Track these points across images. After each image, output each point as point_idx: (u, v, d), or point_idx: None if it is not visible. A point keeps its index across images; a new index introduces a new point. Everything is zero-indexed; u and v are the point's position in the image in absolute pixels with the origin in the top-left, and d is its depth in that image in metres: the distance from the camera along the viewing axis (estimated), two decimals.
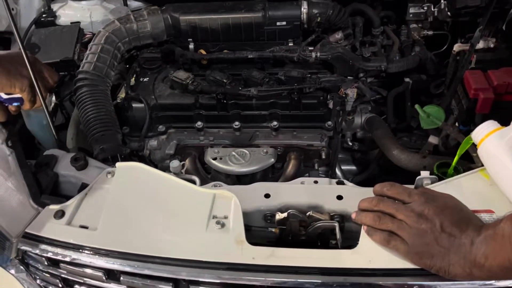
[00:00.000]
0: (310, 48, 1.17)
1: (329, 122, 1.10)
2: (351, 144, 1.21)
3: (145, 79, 1.20)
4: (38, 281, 0.81)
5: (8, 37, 1.33)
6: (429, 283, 0.65)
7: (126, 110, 1.14)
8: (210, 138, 1.15)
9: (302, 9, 1.18)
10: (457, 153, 0.80)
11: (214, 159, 1.09)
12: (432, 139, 1.04)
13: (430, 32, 1.31)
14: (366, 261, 0.66)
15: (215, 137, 1.15)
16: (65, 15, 1.35)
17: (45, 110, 0.93)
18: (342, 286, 0.66)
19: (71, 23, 1.30)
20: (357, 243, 0.69)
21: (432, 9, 1.26)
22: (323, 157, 1.12)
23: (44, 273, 0.79)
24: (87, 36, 1.28)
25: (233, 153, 1.09)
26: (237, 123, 1.12)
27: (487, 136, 0.72)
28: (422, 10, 1.32)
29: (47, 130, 0.99)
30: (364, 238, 0.69)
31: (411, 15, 1.33)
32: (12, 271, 0.81)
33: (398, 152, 1.01)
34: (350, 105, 1.08)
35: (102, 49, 1.14)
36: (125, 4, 1.37)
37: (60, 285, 0.78)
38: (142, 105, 1.13)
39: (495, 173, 0.71)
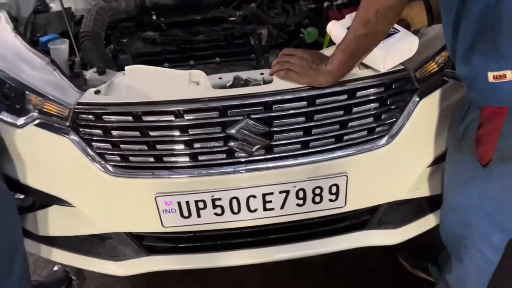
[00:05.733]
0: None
1: (253, 55, 1.71)
2: None
3: (124, 40, 1.74)
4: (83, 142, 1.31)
5: None
6: (312, 93, 1.25)
7: (114, 59, 1.66)
8: None
9: None
10: (324, 43, 1.44)
11: None
12: None
13: (313, 6, 1.98)
14: (279, 88, 1.25)
15: None
16: (56, 6, 1.85)
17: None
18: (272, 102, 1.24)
19: (65, 8, 1.79)
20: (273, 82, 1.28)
21: None
22: None
23: (91, 128, 1.28)
24: (77, 16, 1.79)
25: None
26: (192, 61, 1.69)
27: (333, 26, 1.35)
28: None
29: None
30: (275, 79, 1.28)
31: None
32: (66, 136, 1.30)
33: None
34: (264, 41, 1.69)
35: (95, 19, 1.66)
36: None
37: (102, 134, 1.28)
38: (126, 56, 1.66)
39: None
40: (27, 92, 1.31)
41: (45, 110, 1.31)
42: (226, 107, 1.25)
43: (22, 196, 1.53)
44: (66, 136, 1.30)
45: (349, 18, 1.37)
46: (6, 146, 1.36)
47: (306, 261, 1.79)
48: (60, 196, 1.42)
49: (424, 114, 1.35)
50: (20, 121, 1.34)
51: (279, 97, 1.25)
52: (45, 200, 1.50)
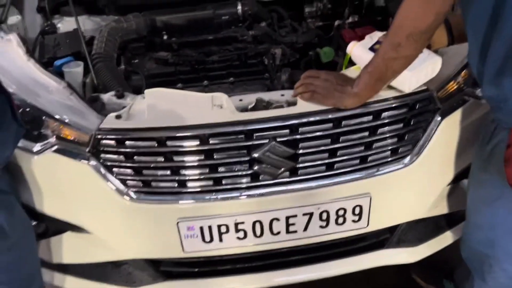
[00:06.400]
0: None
1: (267, 74, 1.70)
2: None
3: (135, 61, 1.71)
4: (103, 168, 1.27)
5: None
6: (337, 115, 1.24)
7: (127, 80, 1.63)
8: None
9: (238, 7, 1.80)
10: (344, 64, 1.44)
11: None
12: None
13: (320, 23, 1.99)
14: (304, 110, 1.24)
15: None
16: (63, 27, 1.82)
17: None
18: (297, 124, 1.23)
19: (73, 29, 1.77)
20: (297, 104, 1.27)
21: (319, 5, 1.94)
22: None
23: (112, 154, 1.25)
24: (87, 37, 1.76)
25: None
26: (205, 81, 1.67)
27: (354, 46, 1.35)
28: (313, 9, 1.99)
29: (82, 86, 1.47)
30: (300, 101, 1.27)
31: (307, 13, 2.00)
32: (86, 162, 1.26)
33: None
34: (278, 60, 1.69)
35: (107, 40, 1.64)
36: (108, 15, 1.88)
37: (124, 159, 1.25)
38: (139, 77, 1.64)
39: (361, 63, 1.33)
40: (44, 117, 1.28)
41: (63, 136, 1.28)
42: (252, 131, 1.23)
43: (34, 223, 1.49)
44: (86, 162, 1.27)
45: (369, 39, 1.37)
46: (23, 173, 1.32)
47: (318, 280, 1.77)
48: (77, 223, 1.38)
49: (446, 133, 1.36)
50: (37, 147, 1.30)
51: (305, 120, 1.24)
52: (60, 227, 1.46)
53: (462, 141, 1.39)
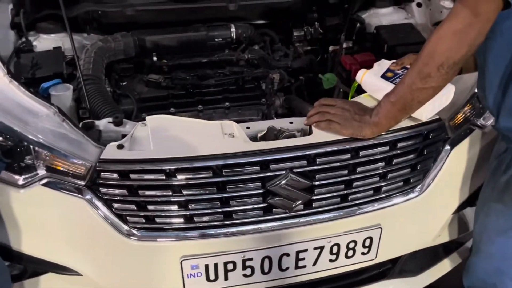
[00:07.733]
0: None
1: (264, 99, 1.63)
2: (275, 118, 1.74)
3: (124, 83, 1.59)
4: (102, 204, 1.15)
5: None
6: (355, 145, 1.19)
7: (117, 103, 1.51)
8: None
9: (231, 29, 1.74)
10: (350, 92, 1.40)
11: None
12: None
13: (309, 48, 1.96)
14: (322, 139, 1.18)
15: None
16: (40, 45, 1.67)
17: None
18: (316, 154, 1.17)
19: (53, 47, 1.62)
20: (312, 134, 1.21)
21: (310, 29, 1.92)
22: None
23: (114, 188, 1.12)
24: (68, 56, 1.62)
25: None
26: (200, 106, 1.58)
27: (364, 74, 1.32)
28: (301, 33, 1.97)
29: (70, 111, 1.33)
30: (314, 130, 1.21)
31: (295, 37, 1.97)
32: (81, 196, 1.13)
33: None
34: (276, 85, 1.63)
35: (94, 60, 1.51)
36: (89, 34, 1.75)
37: (127, 193, 1.13)
38: (129, 100, 1.52)
39: (373, 91, 1.31)
40: (32, 147, 1.14)
41: (55, 167, 1.14)
42: (269, 161, 1.16)
43: (7, 263, 1.32)
44: (81, 197, 1.14)
45: (378, 67, 1.35)
46: None
47: None
48: (65, 264, 1.23)
49: (454, 163, 1.35)
50: (22, 180, 1.15)
51: (323, 150, 1.18)
52: (39, 268, 1.31)
53: (468, 170, 1.39)
